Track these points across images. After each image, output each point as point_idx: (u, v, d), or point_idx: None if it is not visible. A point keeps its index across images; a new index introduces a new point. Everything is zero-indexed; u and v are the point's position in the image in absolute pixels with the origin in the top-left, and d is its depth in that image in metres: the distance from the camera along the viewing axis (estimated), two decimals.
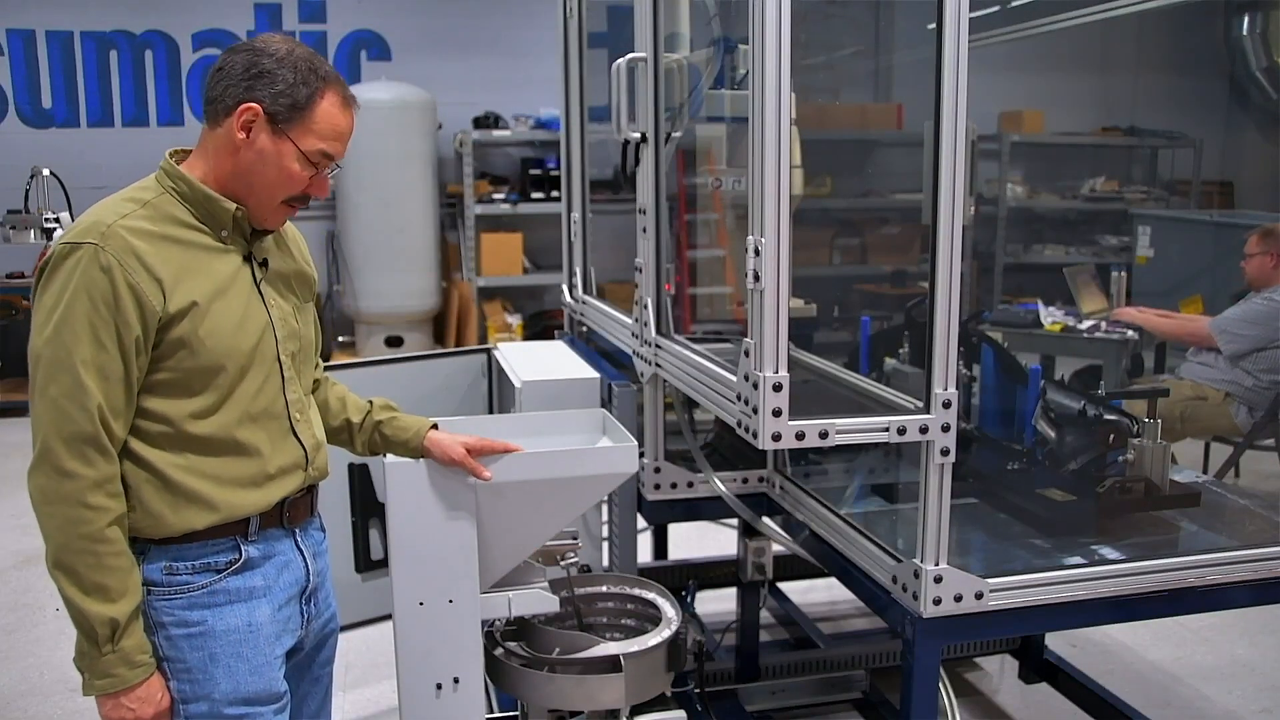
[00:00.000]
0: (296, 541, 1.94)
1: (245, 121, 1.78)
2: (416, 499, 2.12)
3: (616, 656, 2.23)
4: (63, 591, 1.72)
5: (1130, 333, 5.01)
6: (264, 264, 1.90)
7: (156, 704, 1.77)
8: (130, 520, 1.76)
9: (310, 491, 1.98)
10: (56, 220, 7.15)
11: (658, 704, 2.36)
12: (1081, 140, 8.77)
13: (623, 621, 2.53)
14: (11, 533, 5.08)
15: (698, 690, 2.77)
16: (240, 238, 1.86)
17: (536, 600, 2.28)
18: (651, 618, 2.46)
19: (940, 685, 2.31)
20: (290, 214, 1.89)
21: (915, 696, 2.18)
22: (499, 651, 2.31)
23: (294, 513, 1.92)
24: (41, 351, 1.70)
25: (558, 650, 2.28)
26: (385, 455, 2.17)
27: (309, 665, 2.07)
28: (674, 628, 2.35)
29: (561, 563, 2.39)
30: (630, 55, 2.68)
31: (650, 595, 2.51)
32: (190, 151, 1.87)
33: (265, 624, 1.86)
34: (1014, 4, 5.31)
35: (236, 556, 1.83)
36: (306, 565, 1.96)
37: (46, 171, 7.14)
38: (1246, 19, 8.48)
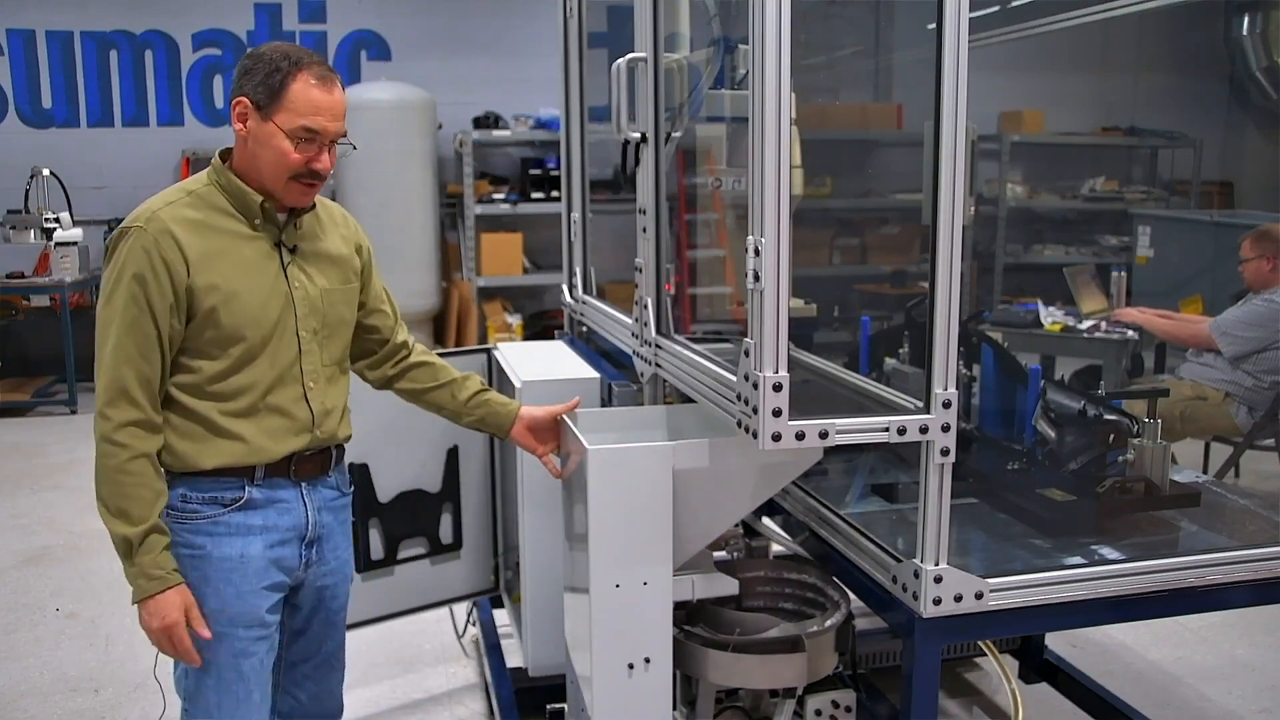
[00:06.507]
0: (302, 493, 2.18)
1: (239, 114, 2.06)
2: (618, 484, 2.16)
3: (798, 636, 2.30)
4: (100, 514, 2.01)
5: (1130, 333, 5.01)
6: (294, 249, 2.14)
7: (166, 617, 2.01)
8: (161, 454, 2.05)
9: (323, 453, 2.22)
10: (56, 220, 7.16)
11: (824, 684, 2.42)
12: (1081, 140, 8.78)
13: (780, 604, 2.60)
14: (11, 532, 5.08)
15: (850, 672, 2.79)
16: (272, 225, 2.11)
17: (718, 583, 2.36)
18: (808, 600, 2.54)
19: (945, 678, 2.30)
20: (307, 190, 2.10)
21: (915, 696, 2.18)
22: (677, 632, 2.35)
23: (301, 468, 2.17)
24: (100, 315, 2.02)
25: (738, 631, 2.33)
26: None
27: (322, 608, 2.33)
28: (843, 609, 2.41)
29: (727, 548, 2.49)
30: (630, 55, 2.68)
31: (811, 579, 2.58)
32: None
33: (257, 558, 2.12)
34: (1014, 4, 5.31)
35: (240, 495, 2.10)
36: (308, 515, 2.19)
37: (46, 171, 7.18)
38: (1246, 19, 8.48)
